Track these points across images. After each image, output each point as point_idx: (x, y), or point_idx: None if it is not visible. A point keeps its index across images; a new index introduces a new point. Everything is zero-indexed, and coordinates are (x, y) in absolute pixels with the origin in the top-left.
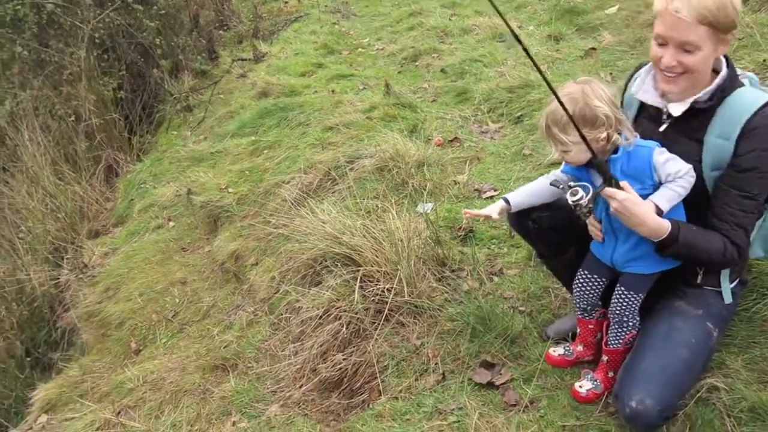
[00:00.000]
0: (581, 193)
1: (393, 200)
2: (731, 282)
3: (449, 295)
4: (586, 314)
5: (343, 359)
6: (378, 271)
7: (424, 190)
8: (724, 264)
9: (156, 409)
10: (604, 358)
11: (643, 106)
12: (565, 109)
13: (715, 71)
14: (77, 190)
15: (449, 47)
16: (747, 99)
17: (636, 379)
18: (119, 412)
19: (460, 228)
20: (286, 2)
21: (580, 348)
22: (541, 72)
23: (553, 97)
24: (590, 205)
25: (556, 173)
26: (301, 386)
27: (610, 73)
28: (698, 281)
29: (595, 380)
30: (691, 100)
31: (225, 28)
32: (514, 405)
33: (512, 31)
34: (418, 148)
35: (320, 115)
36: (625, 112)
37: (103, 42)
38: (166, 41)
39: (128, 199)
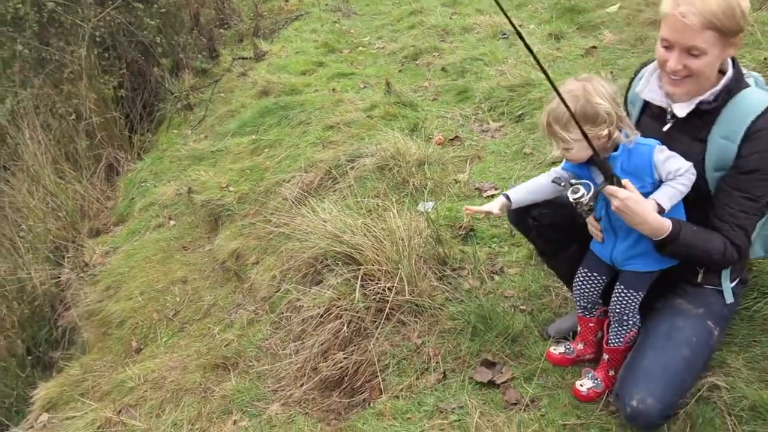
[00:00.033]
0: (582, 190)
1: (394, 199)
2: (732, 281)
3: (450, 293)
4: (586, 312)
5: (344, 358)
6: (379, 270)
7: (425, 188)
8: (723, 264)
9: (157, 408)
10: (605, 356)
11: (647, 104)
12: (566, 106)
13: (722, 71)
14: (78, 188)
15: (450, 46)
16: (752, 100)
17: (637, 378)
18: (120, 411)
19: (460, 227)
20: (287, 1)
21: (580, 346)
22: (542, 68)
23: (555, 94)
24: (591, 203)
25: (557, 170)
26: (302, 385)
27: (611, 72)
28: (699, 280)
29: (596, 379)
30: (696, 101)
31: (225, 26)
32: (515, 404)
33: (515, 27)
34: (418, 147)
35: (321, 114)
36: (628, 109)
37: (104, 40)
38: (166, 40)
39: (129, 198)
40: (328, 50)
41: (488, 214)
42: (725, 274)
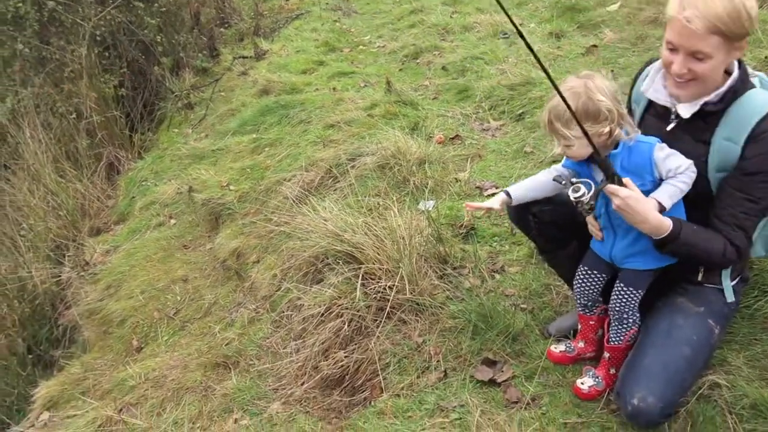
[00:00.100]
0: (583, 189)
1: (394, 198)
2: (732, 280)
3: (451, 292)
4: (587, 310)
5: (345, 357)
6: (380, 269)
7: (426, 187)
8: (723, 264)
9: (158, 407)
10: (606, 355)
11: (651, 103)
12: (567, 104)
13: (727, 72)
14: (78, 187)
15: (450, 45)
16: (757, 102)
17: (638, 377)
18: (121, 410)
19: (461, 225)
20: (287, 0)
21: (581, 344)
22: (543, 66)
23: (556, 92)
24: (592, 202)
25: (558, 168)
26: (302, 384)
27: (612, 71)
28: (699, 279)
29: (597, 377)
30: (701, 102)
31: (226, 25)
32: (516, 402)
33: (516, 26)
34: (419, 146)
35: (321, 113)
36: (632, 107)
37: (105, 39)
38: (167, 39)
39: (129, 197)
40: (329, 49)
41: (489, 210)
42: (726, 272)
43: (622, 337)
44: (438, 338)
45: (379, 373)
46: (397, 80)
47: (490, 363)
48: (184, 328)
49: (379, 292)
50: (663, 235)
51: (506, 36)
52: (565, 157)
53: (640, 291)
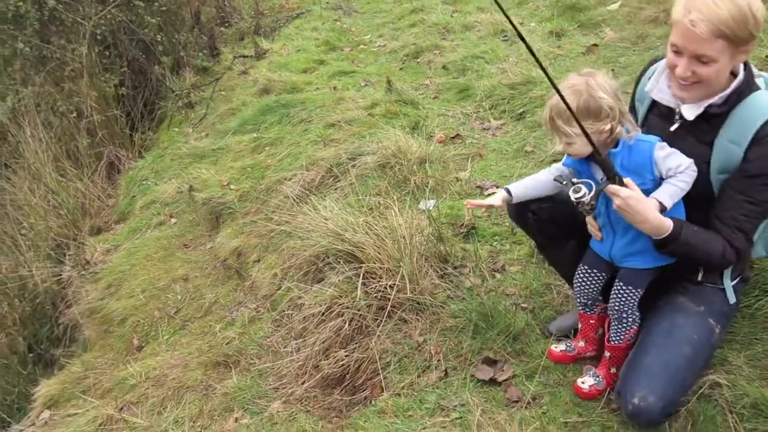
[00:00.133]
0: (584, 190)
1: (395, 197)
2: (733, 279)
3: (451, 291)
4: (587, 309)
5: (346, 356)
6: (380, 268)
7: (426, 187)
8: (722, 265)
9: (158, 406)
10: (607, 354)
11: (655, 102)
12: (566, 103)
13: (733, 73)
14: (79, 186)
15: (451, 44)
16: (761, 104)
17: (638, 376)
18: (122, 408)
19: (462, 225)
20: None
21: (581, 344)
22: (542, 66)
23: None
24: (593, 203)
25: (558, 167)
26: (303, 383)
27: (612, 69)
28: (699, 279)
29: (598, 376)
30: (705, 104)
31: (226, 24)
32: (517, 401)
33: (514, 26)
34: (420, 145)
35: (322, 112)
36: (636, 106)
37: (105, 38)
38: (167, 38)
39: (130, 196)
40: (329, 48)
41: (490, 207)
42: (727, 272)
43: (622, 337)
44: (439, 337)
45: (380, 372)
46: (398, 79)
47: (491, 362)
48: (184, 327)
49: (379, 291)
50: (663, 236)
51: (506, 38)
52: (565, 155)
53: (639, 290)
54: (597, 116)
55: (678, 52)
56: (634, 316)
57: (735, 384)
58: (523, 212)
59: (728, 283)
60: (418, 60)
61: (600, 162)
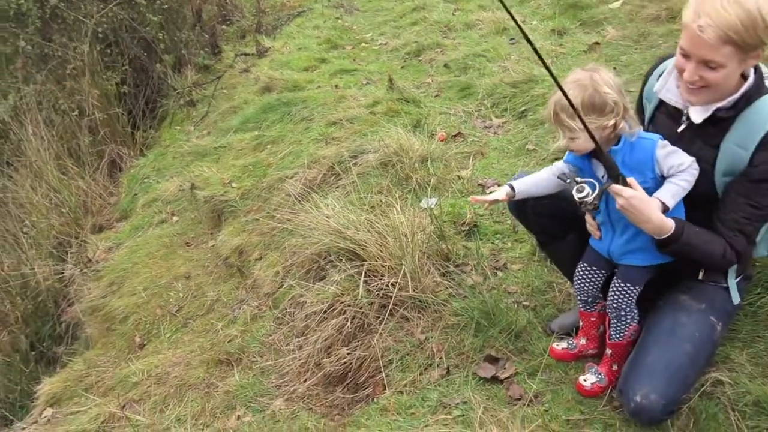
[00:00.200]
0: (587, 189)
1: (397, 195)
2: (736, 278)
3: (453, 289)
4: (587, 306)
5: (348, 354)
6: (382, 266)
7: (428, 185)
8: (722, 266)
9: (161, 403)
10: (608, 351)
11: (662, 102)
12: (568, 99)
13: (743, 76)
14: (81, 184)
15: (452, 42)
16: None
17: (640, 374)
18: (124, 406)
19: (464, 223)
20: None
21: (583, 341)
22: (545, 64)
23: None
24: (596, 202)
25: (560, 165)
26: (305, 381)
27: (614, 68)
28: (700, 277)
29: (600, 374)
30: (713, 108)
31: (228, 22)
32: (519, 399)
33: (518, 24)
34: (421, 143)
35: (323, 110)
36: (644, 104)
37: (107, 36)
38: (168, 36)
39: (132, 194)
40: (331, 46)
41: (494, 202)
42: (731, 271)
43: (622, 334)
44: (441, 335)
45: (382, 370)
46: (400, 78)
47: (493, 360)
48: (186, 325)
49: (381, 289)
50: (665, 236)
51: (513, 42)
52: (567, 152)
53: (637, 287)
54: (601, 111)
55: (686, 56)
56: (632, 313)
57: (737, 382)
58: (522, 207)
59: (732, 282)
60: (420, 58)
61: (603, 162)
